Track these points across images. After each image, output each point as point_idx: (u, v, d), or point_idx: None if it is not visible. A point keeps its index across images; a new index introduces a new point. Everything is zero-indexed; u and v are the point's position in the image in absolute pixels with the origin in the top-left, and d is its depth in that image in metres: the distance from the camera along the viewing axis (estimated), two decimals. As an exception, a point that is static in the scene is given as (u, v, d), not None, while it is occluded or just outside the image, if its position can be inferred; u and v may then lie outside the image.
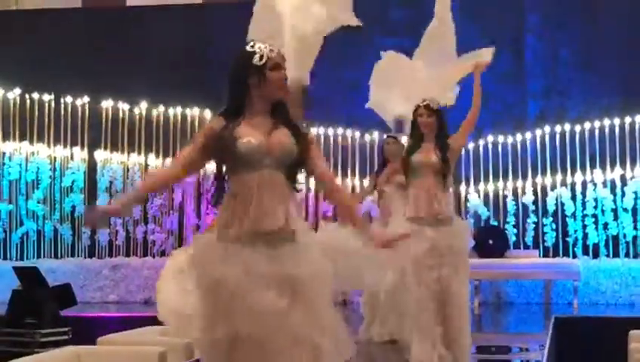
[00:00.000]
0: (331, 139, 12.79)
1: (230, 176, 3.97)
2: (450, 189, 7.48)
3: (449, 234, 6.59)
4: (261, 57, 3.94)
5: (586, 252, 12.08)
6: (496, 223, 12.41)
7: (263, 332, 3.78)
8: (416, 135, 6.80)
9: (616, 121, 12.21)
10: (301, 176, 4.15)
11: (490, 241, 12.02)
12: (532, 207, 12.31)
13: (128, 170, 12.96)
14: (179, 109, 13.02)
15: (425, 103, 6.74)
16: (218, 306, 3.83)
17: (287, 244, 3.90)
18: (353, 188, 12.54)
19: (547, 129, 12.42)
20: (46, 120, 13.08)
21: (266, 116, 3.98)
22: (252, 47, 3.99)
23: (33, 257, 12.81)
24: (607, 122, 12.21)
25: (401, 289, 6.86)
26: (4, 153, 12.97)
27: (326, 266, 4.00)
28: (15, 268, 9.58)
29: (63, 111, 13.11)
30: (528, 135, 12.46)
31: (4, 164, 12.92)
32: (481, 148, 12.54)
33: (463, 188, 12.49)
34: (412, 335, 6.64)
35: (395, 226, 7.01)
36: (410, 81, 7.67)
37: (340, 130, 12.79)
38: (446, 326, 6.50)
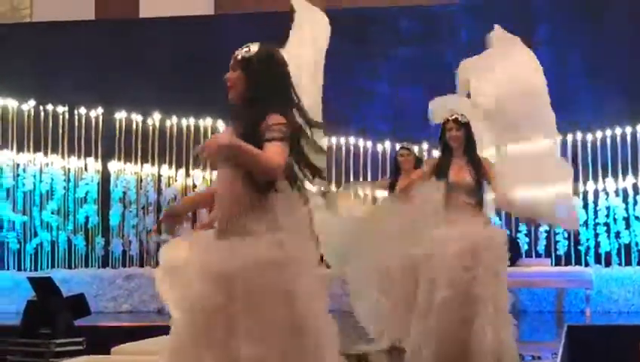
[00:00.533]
0: (343, 148, 12.82)
1: None
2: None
3: (485, 235, 6.65)
4: None
5: (598, 260, 12.08)
6: (508, 232, 12.40)
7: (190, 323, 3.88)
8: (446, 150, 6.88)
9: (628, 130, 12.21)
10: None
11: (503, 250, 12.02)
12: (544, 216, 12.30)
13: (142, 180, 13.01)
14: (192, 120, 13.07)
15: (454, 117, 6.82)
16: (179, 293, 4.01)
17: (237, 239, 3.91)
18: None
19: (558, 138, 12.39)
20: (60, 131, 13.16)
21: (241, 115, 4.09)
22: None
23: (47, 267, 12.86)
24: (618, 130, 12.21)
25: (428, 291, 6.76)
26: (18, 164, 13.04)
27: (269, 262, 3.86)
28: (30, 279, 9.63)
29: (76, 123, 13.19)
30: (539, 144, 12.45)
31: (18, 175, 13.00)
32: (492, 159, 12.52)
33: (474, 197, 12.49)
34: (427, 337, 6.62)
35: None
36: None
37: (352, 140, 12.81)
38: (467, 329, 6.48)
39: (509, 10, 12.94)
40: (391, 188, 8.69)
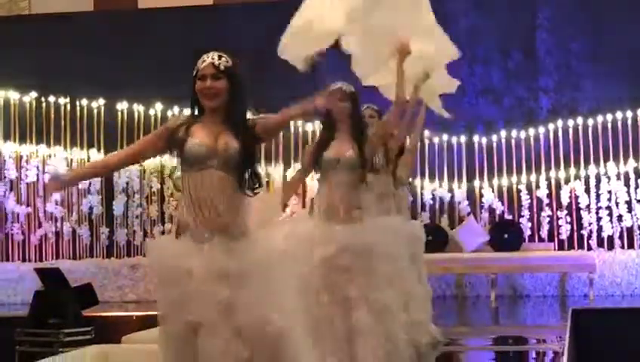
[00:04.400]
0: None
1: (183, 174, 4.31)
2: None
3: (363, 233, 5.70)
4: (197, 70, 4.35)
5: (600, 244, 12.14)
6: (510, 217, 12.47)
7: (212, 321, 4.09)
8: (329, 124, 5.99)
9: (629, 114, 12.27)
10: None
11: (506, 235, 12.11)
12: (546, 201, 12.36)
13: (145, 170, 13.01)
14: (193, 109, 13.04)
15: (337, 87, 5.93)
16: (177, 297, 4.18)
17: (235, 240, 4.18)
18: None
19: (560, 123, 12.46)
20: (62, 123, 13.19)
21: (216, 121, 4.32)
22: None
23: (52, 258, 12.91)
24: (619, 115, 12.26)
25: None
26: (21, 156, 13.07)
27: (273, 257, 4.20)
28: (37, 269, 9.67)
29: (78, 114, 13.22)
30: (541, 129, 12.51)
31: (21, 167, 13.02)
32: (494, 144, 12.60)
33: (477, 183, 12.57)
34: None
35: (298, 222, 5.93)
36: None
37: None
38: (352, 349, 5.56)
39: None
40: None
